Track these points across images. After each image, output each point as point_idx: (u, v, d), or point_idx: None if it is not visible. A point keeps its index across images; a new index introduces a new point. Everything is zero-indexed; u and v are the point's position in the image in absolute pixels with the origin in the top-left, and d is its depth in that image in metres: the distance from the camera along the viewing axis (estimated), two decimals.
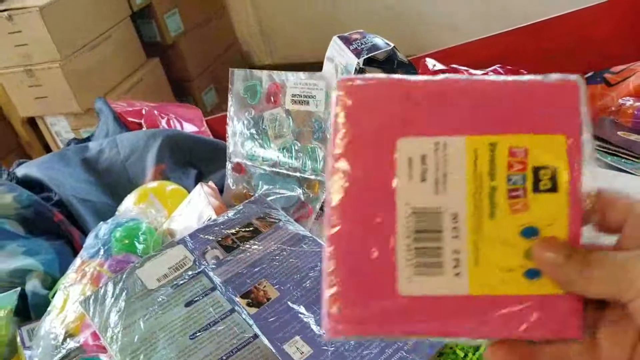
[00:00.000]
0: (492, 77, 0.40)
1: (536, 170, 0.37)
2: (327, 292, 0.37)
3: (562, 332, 0.36)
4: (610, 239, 0.37)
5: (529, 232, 0.37)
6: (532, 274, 0.37)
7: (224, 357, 0.60)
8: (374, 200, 0.38)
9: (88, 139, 1.21)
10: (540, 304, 0.36)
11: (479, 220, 0.37)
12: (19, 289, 0.84)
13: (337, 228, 0.38)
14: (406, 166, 0.38)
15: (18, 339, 0.79)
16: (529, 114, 0.38)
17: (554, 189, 0.37)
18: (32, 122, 2.49)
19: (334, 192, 0.38)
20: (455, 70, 1.09)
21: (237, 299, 0.66)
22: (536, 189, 0.37)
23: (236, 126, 0.88)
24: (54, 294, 0.78)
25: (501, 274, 0.37)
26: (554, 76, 0.38)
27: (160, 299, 0.66)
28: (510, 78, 0.38)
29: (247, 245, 0.72)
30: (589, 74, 1.12)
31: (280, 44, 3.02)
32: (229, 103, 0.88)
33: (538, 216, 0.37)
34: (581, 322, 0.36)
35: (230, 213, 0.77)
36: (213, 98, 2.76)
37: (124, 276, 0.69)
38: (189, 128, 1.17)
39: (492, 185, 0.37)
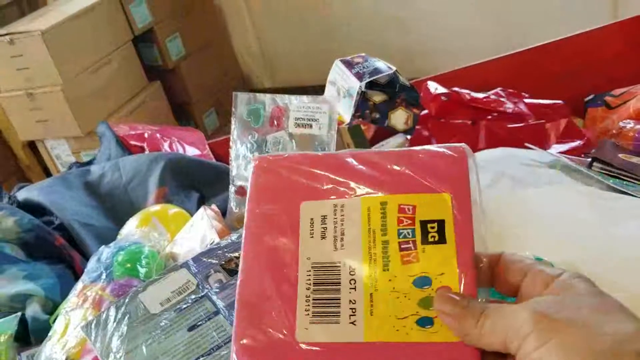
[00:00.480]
0: (391, 150, 0.46)
1: (424, 224, 0.40)
2: (235, 336, 0.41)
3: None
4: None
5: (422, 282, 0.40)
6: (425, 322, 0.39)
7: None
8: (281, 256, 0.42)
9: (90, 163, 1.21)
10: (437, 353, 0.38)
11: (373, 272, 0.40)
12: (19, 314, 0.83)
13: (243, 277, 0.42)
14: (308, 225, 0.42)
15: None
16: (420, 177, 0.42)
17: (442, 240, 0.40)
18: (32, 146, 2.50)
19: (246, 244, 0.43)
20: (457, 94, 1.10)
21: None
22: (425, 241, 0.40)
23: (239, 149, 0.88)
24: (55, 319, 0.78)
25: (395, 322, 0.39)
26: (446, 145, 0.43)
27: (163, 324, 0.66)
28: (407, 149, 0.44)
29: None
30: (590, 97, 1.12)
31: (281, 68, 3.04)
32: (232, 126, 0.88)
33: (429, 266, 0.40)
34: None
35: (234, 236, 0.76)
36: (214, 121, 2.77)
37: (127, 300, 0.68)
38: (192, 151, 1.18)
39: (384, 240, 0.41)
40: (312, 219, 0.42)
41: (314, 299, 0.40)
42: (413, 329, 0.39)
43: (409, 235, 0.41)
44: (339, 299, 0.40)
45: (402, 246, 0.40)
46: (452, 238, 0.40)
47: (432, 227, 0.40)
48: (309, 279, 0.41)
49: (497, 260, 0.39)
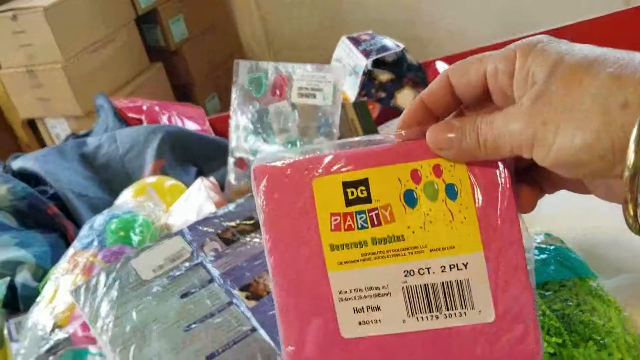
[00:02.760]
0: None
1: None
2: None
3: None
4: None
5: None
6: None
7: (220, 350, 0.57)
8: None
9: (87, 135, 1.18)
10: None
11: None
12: (8, 279, 0.81)
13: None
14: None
15: (5, 331, 0.76)
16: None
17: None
18: (31, 124, 2.47)
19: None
20: None
21: (236, 292, 0.63)
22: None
23: (239, 119, 0.85)
24: (44, 285, 0.75)
25: None
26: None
27: (154, 290, 0.63)
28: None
29: (248, 239, 0.70)
30: None
31: (285, 51, 3.01)
32: (233, 95, 0.85)
33: None
34: None
35: (231, 206, 0.74)
36: (216, 106, 2.74)
37: (118, 266, 0.66)
38: (191, 126, 1.15)
39: None
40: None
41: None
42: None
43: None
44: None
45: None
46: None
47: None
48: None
49: (446, 78, 0.38)
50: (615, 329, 0.50)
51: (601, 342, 0.49)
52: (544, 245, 0.57)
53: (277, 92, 0.83)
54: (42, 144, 2.50)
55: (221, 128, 1.15)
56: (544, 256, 0.55)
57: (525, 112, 0.31)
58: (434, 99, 0.37)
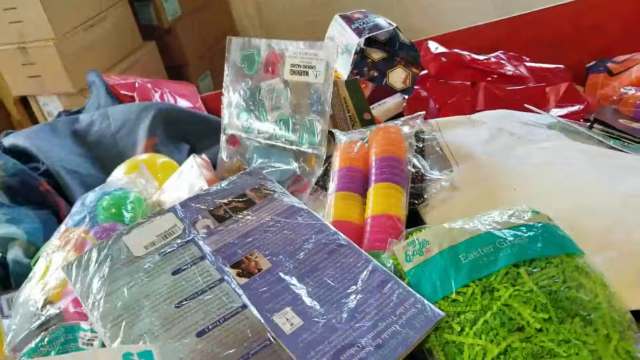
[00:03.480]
0: None
1: None
2: None
3: None
4: None
5: None
6: None
7: (211, 327, 0.58)
8: None
9: (79, 112, 1.18)
10: None
11: None
12: None
13: None
14: None
15: None
16: None
17: None
18: (24, 101, 2.45)
19: None
20: (457, 55, 1.07)
21: (227, 269, 0.63)
22: None
23: (232, 97, 0.85)
24: (36, 262, 0.76)
25: None
26: None
27: (146, 267, 0.64)
28: None
29: (240, 216, 0.70)
30: (592, 63, 1.10)
31: (278, 30, 2.99)
32: (225, 72, 0.85)
33: None
34: None
35: (224, 183, 0.74)
36: (209, 85, 2.72)
37: (110, 242, 0.66)
38: (183, 103, 1.15)
39: None
40: None
41: None
42: None
43: None
44: None
45: None
46: None
47: None
48: None
49: None
50: (602, 305, 0.50)
51: (587, 317, 0.49)
52: (531, 223, 0.57)
53: (270, 69, 0.83)
54: (35, 121, 2.48)
55: (213, 106, 1.15)
56: (531, 233, 0.56)
57: None
58: None
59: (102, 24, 2.33)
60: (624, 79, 1.02)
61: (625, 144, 0.77)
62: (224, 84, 0.86)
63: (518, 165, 0.68)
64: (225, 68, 0.85)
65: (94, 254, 0.65)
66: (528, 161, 0.69)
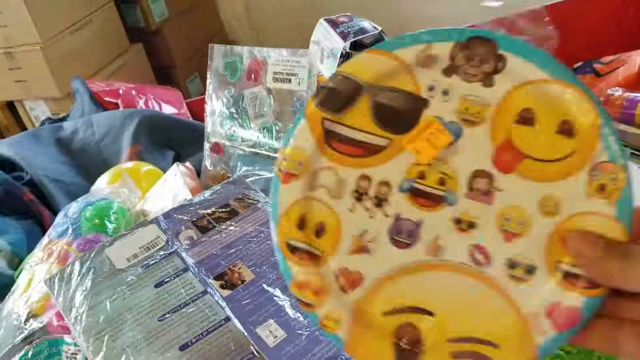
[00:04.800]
0: None
1: None
2: None
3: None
4: None
5: None
6: None
7: (194, 340, 0.57)
8: None
9: (64, 119, 1.17)
10: None
11: None
12: None
13: None
14: None
15: None
16: None
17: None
18: (10, 106, 2.44)
19: None
20: None
21: (210, 281, 0.63)
22: None
23: (215, 105, 0.84)
24: (19, 274, 0.75)
25: None
26: None
27: (129, 279, 0.63)
28: None
29: (224, 227, 0.69)
30: (579, 64, 1.10)
31: (267, 31, 2.98)
32: (208, 80, 0.84)
33: None
34: None
35: (207, 193, 0.74)
36: (198, 86, 2.71)
37: (92, 255, 0.66)
38: (168, 110, 1.14)
39: None
40: None
41: None
42: None
43: None
44: None
45: None
46: None
47: None
48: None
49: None
50: None
51: None
52: None
53: (252, 76, 0.82)
54: (22, 126, 2.47)
55: (199, 111, 1.14)
56: None
57: None
58: None
59: (88, 27, 2.32)
60: (611, 79, 1.02)
61: None
62: (206, 92, 0.85)
63: None
64: (208, 76, 0.84)
65: (77, 267, 0.65)
66: None
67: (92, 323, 0.59)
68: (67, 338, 0.65)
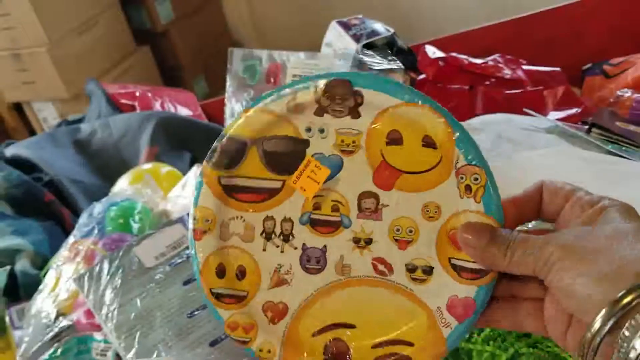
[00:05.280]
0: None
1: None
2: None
3: None
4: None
5: None
6: None
7: (222, 337, 0.59)
8: None
9: (80, 121, 1.18)
10: None
11: None
12: (8, 267, 0.82)
13: None
14: None
15: (7, 319, 0.77)
16: None
17: None
18: (18, 108, 2.45)
19: None
20: (455, 59, 1.08)
21: None
22: None
23: (234, 107, 0.86)
24: (46, 273, 0.76)
25: None
26: None
27: (157, 277, 0.65)
28: None
29: None
30: (588, 66, 1.11)
31: (272, 33, 2.99)
32: (227, 83, 0.86)
33: None
34: None
35: None
36: (204, 88, 2.73)
37: (121, 254, 0.67)
38: (184, 112, 1.15)
39: None
40: None
41: None
42: None
43: None
44: None
45: None
46: None
47: None
48: None
49: (539, 190, 0.41)
50: None
51: None
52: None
53: (272, 79, 0.84)
54: (29, 128, 2.48)
55: (213, 113, 1.16)
56: None
57: (566, 243, 0.36)
58: (520, 202, 0.41)
59: (95, 28, 2.33)
60: (620, 81, 1.04)
61: (624, 148, 0.78)
62: (226, 94, 0.87)
63: (519, 173, 0.69)
64: (227, 78, 0.86)
65: (105, 266, 0.66)
66: (528, 168, 0.70)
67: (124, 320, 0.61)
68: (97, 335, 0.66)
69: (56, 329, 0.67)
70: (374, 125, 0.42)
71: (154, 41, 2.57)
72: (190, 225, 0.43)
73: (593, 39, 1.16)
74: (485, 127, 0.81)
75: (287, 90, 0.43)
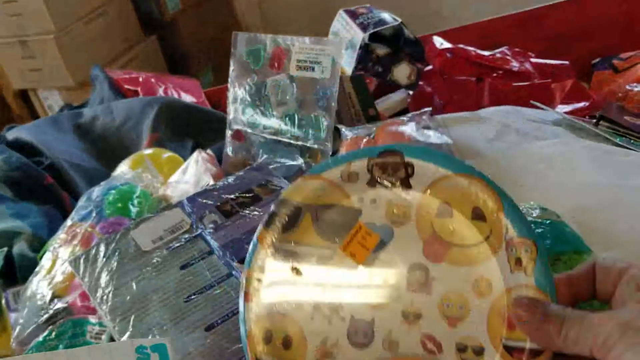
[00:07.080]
0: None
1: None
2: None
3: None
4: None
5: None
6: None
7: (219, 321, 0.58)
8: None
9: (83, 106, 1.18)
10: None
11: None
12: (5, 249, 0.81)
13: None
14: None
15: (3, 301, 0.76)
16: None
17: None
18: (24, 95, 2.45)
19: None
20: (463, 50, 1.07)
21: (235, 264, 0.63)
22: None
23: (237, 92, 0.85)
24: (42, 255, 0.76)
25: None
26: None
27: (154, 261, 0.64)
28: None
29: (247, 211, 0.70)
30: (597, 60, 1.10)
31: (280, 23, 2.98)
32: (231, 67, 0.85)
33: None
34: None
35: (231, 179, 0.74)
36: (210, 78, 2.72)
37: (117, 237, 0.66)
38: (187, 98, 1.14)
39: None
40: None
41: None
42: None
43: None
44: None
45: None
46: None
47: None
48: None
49: (592, 268, 0.39)
50: None
51: None
52: (539, 220, 0.57)
53: (276, 64, 0.82)
54: (35, 115, 2.48)
55: (217, 101, 1.15)
56: (539, 230, 0.56)
57: (627, 321, 0.34)
58: (574, 280, 0.40)
59: (103, 17, 2.32)
60: (630, 75, 1.02)
61: (632, 141, 0.77)
62: (229, 79, 0.86)
63: (525, 163, 0.68)
64: (231, 63, 0.85)
65: (102, 248, 0.65)
66: (535, 158, 0.69)
67: (119, 303, 0.60)
68: (92, 318, 0.65)
69: (51, 311, 0.67)
70: (424, 197, 0.42)
71: (161, 30, 2.56)
72: (243, 287, 0.43)
73: (602, 34, 1.15)
74: (492, 116, 0.80)
75: (343, 158, 0.44)
